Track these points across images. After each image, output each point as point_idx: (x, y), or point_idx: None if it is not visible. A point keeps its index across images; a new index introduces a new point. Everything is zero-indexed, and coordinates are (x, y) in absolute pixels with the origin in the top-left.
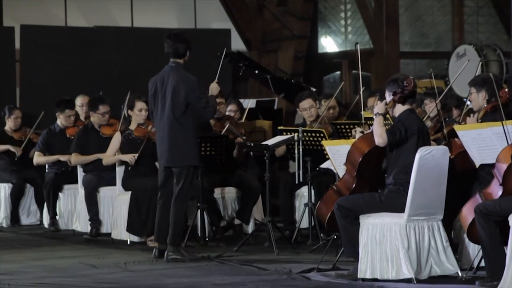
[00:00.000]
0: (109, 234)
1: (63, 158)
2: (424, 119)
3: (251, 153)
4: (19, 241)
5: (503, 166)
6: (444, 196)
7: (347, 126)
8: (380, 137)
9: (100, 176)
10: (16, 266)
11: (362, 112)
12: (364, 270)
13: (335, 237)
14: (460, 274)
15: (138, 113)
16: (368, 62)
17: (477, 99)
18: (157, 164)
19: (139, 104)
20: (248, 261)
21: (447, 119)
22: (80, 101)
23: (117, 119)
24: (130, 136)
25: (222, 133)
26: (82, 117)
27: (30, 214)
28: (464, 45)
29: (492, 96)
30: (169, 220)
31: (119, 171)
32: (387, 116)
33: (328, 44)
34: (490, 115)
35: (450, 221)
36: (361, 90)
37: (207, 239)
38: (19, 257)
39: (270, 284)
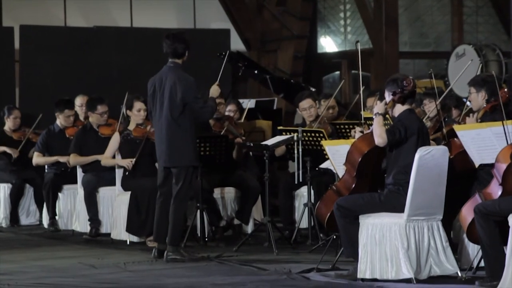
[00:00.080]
0: (109, 234)
1: (62, 159)
2: (423, 119)
3: (251, 153)
4: (18, 241)
5: (503, 166)
6: (444, 196)
7: (346, 126)
8: (379, 137)
9: (99, 176)
10: (16, 266)
11: (362, 112)
12: (364, 270)
13: (334, 237)
14: (459, 274)
15: (136, 113)
16: (368, 62)
17: (477, 99)
18: (156, 164)
19: (138, 104)
20: (248, 261)
21: (446, 119)
22: (79, 101)
23: (116, 119)
24: (129, 136)
25: (221, 133)
26: (81, 117)
27: (29, 214)
28: (463, 45)
29: (491, 96)
30: (168, 220)
31: (119, 171)
32: (387, 116)
33: (328, 44)
34: (490, 115)
35: (449, 221)
36: (361, 89)
37: (206, 239)
38: (18, 257)
39: (269, 284)
